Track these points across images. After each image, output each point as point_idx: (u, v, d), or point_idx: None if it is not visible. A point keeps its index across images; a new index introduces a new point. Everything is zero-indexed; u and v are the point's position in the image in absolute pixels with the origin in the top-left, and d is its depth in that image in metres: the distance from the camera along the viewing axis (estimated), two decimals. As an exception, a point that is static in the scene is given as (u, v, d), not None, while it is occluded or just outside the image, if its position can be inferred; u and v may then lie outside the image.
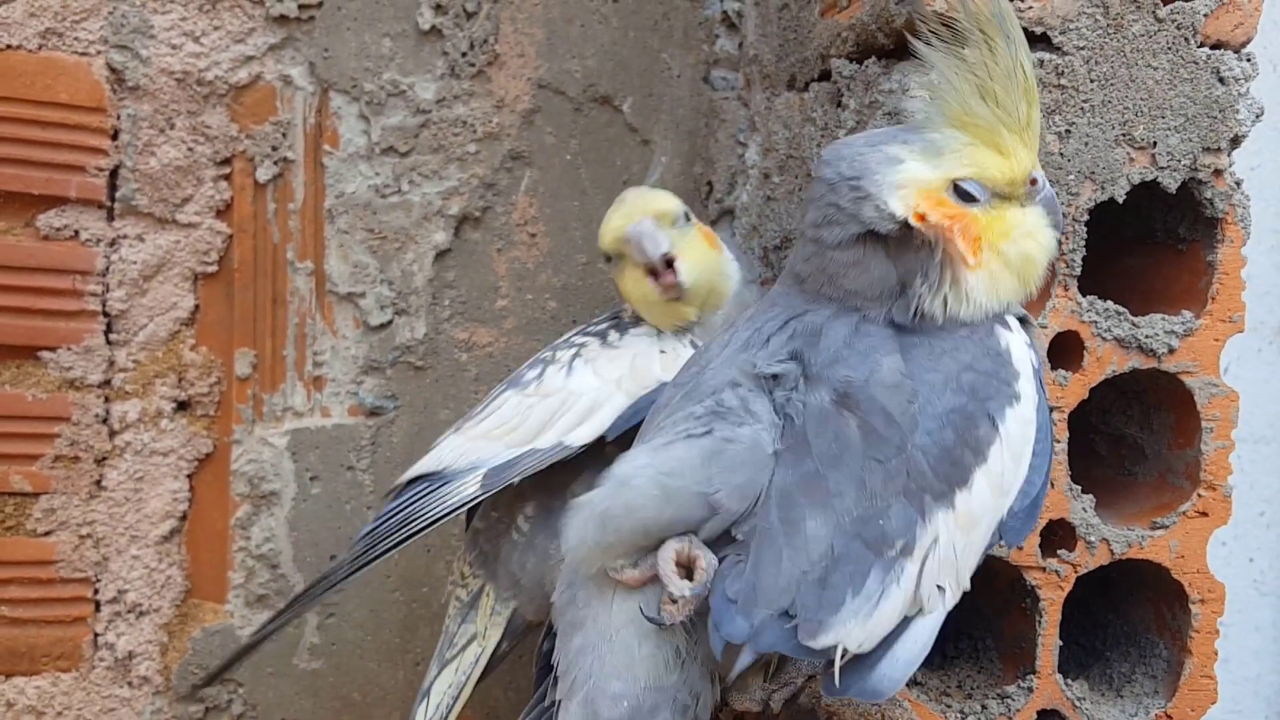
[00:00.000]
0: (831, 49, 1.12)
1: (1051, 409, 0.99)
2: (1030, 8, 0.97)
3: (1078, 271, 1.00)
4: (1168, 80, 0.99)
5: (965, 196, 0.80)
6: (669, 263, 1.03)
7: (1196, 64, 1.00)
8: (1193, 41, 0.99)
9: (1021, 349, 0.80)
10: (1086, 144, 0.99)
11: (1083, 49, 0.98)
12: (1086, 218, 1.00)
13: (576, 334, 1.12)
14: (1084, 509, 1.02)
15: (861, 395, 0.76)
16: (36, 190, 1.28)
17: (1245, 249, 1.03)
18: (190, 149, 1.32)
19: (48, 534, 1.31)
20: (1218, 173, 1.01)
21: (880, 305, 0.80)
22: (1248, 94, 1.01)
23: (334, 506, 1.37)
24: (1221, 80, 1.00)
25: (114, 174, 1.31)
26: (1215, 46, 1.01)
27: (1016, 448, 0.77)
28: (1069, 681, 1.04)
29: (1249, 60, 1.01)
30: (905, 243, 0.79)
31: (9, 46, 1.27)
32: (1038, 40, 0.98)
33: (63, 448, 1.30)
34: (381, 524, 1.04)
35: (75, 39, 1.29)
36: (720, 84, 1.45)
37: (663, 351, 1.04)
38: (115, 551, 1.33)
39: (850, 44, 1.08)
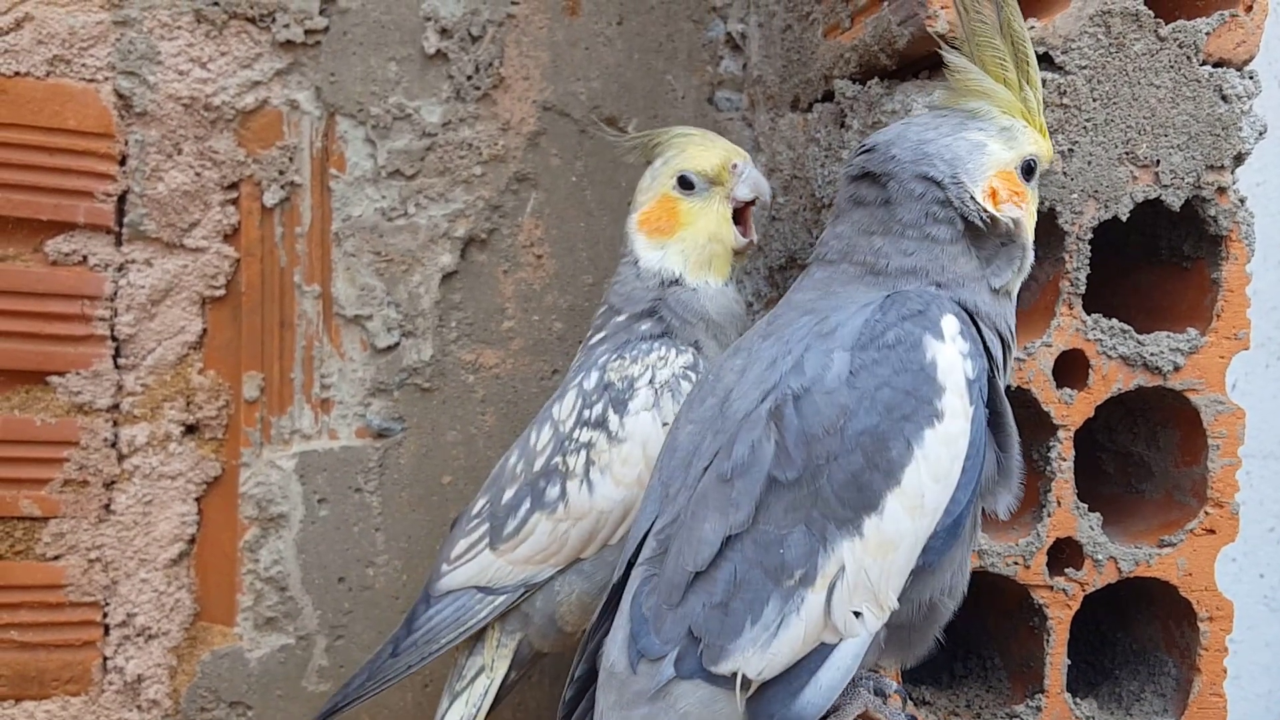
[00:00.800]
0: (835, 70, 1.13)
1: (1058, 428, 1.00)
2: (1032, 28, 0.97)
3: (1082, 289, 1.01)
4: (1170, 99, 1.00)
5: (1028, 172, 0.82)
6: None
7: (1199, 82, 1.00)
8: (1195, 60, 1.00)
9: (951, 359, 0.75)
10: (1090, 163, 0.99)
11: (1085, 68, 0.98)
12: (1090, 236, 1.00)
13: (571, 415, 1.09)
14: (1091, 527, 1.02)
15: (799, 405, 0.75)
16: (45, 216, 1.29)
17: (1251, 266, 1.03)
18: (198, 174, 1.33)
19: (57, 558, 1.31)
20: (1221, 190, 1.01)
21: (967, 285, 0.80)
22: (1250, 111, 1.01)
23: (342, 529, 1.37)
24: (1224, 98, 1.00)
25: (122, 199, 1.31)
26: (1218, 65, 1.01)
27: (940, 468, 0.74)
28: (1078, 700, 1.04)
29: (1251, 78, 1.02)
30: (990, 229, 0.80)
31: (17, 73, 1.28)
32: (1040, 60, 0.99)
33: (71, 472, 1.30)
34: (439, 615, 1.10)
35: (83, 65, 1.29)
36: (725, 105, 1.46)
37: (664, 424, 1.04)
38: (124, 575, 1.33)
39: (853, 65, 1.08)
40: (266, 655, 1.36)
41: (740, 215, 1.12)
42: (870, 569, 0.74)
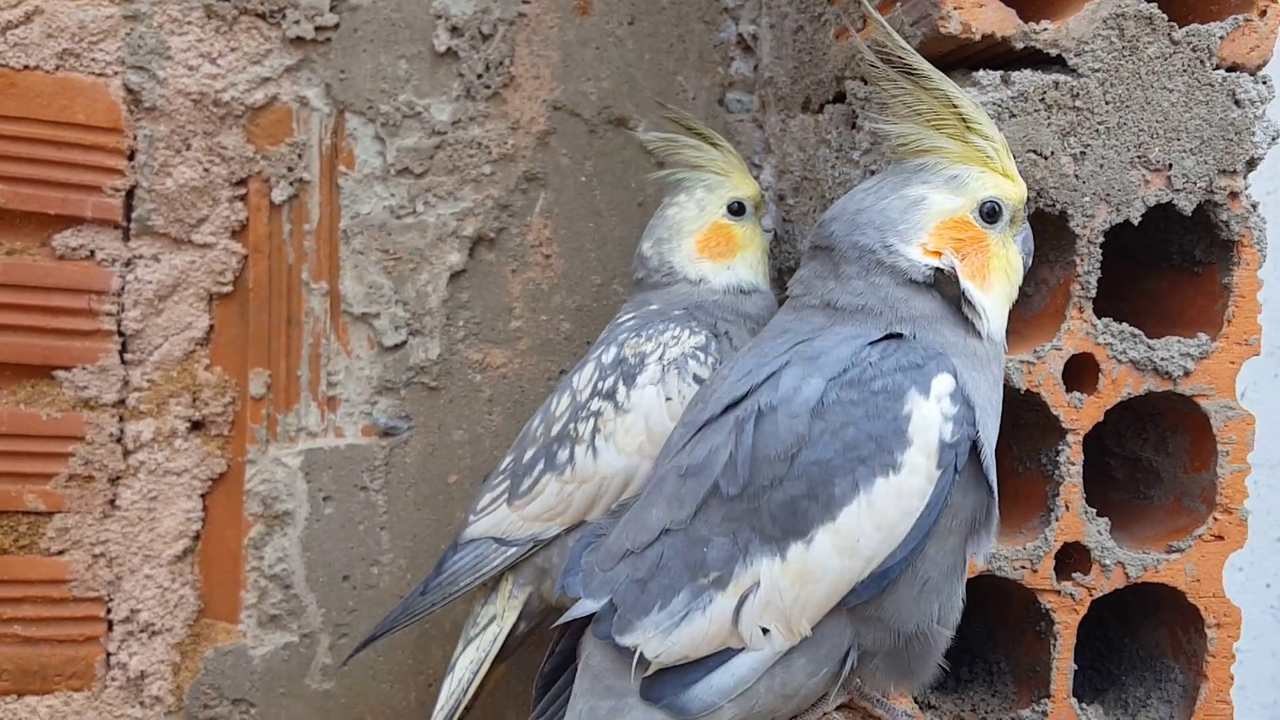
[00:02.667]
0: (846, 71, 1.13)
1: (1066, 431, 1.00)
2: (1045, 30, 0.97)
3: (1093, 294, 1.01)
4: (1183, 102, 1.00)
5: (990, 216, 0.83)
6: None
7: (1212, 86, 1.00)
8: (1208, 64, 1.00)
9: (929, 418, 0.76)
10: (1102, 166, 0.99)
11: (1098, 71, 0.98)
12: (1102, 240, 1.00)
13: (588, 386, 1.15)
14: (1099, 532, 1.01)
15: (761, 421, 0.77)
16: (53, 210, 1.29)
17: (1262, 272, 1.03)
18: (206, 170, 1.33)
19: (61, 553, 1.31)
20: (1233, 195, 1.01)
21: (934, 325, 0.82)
22: (1264, 116, 1.01)
23: (347, 527, 1.38)
24: (1237, 103, 1.00)
25: (130, 194, 1.32)
26: (1231, 69, 1.01)
27: (885, 518, 0.75)
28: (1083, 706, 1.04)
29: (1265, 83, 1.02)
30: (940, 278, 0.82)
31: (26, 67, 1.28)
32: (1053, 63, 0.99)
33: (76, 467, 1.31)
34: (461, 560, 1.17)
35: (92, 60, 1.30)
36: (735, 106, 1.46)
37: (668, 399, 1.10)
38: (128, 571, 1.33)
39: (857, 69, 1.08)
40: (270, 653, 1.36)
41: None
42: (785, 592, 0.76)
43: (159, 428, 1.33)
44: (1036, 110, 0.98)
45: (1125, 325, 1.01)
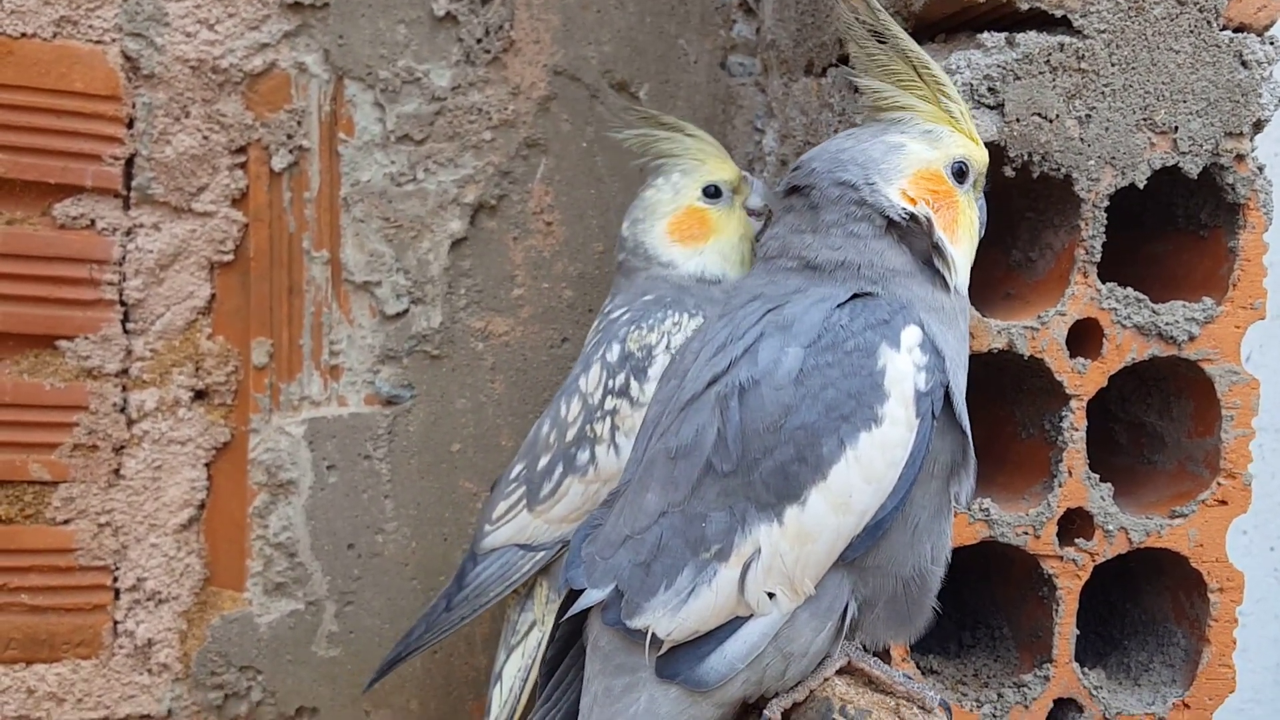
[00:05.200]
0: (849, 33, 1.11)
1: (1070, 397, 0.99)
2: (1049, -9, 0.96)
3: (1097, 258, 0.99)
4: (1190, 64, 0.98)
5: (959, 175, 0.84)
6: None
7: (1219, 47, 0.98)
8: (1215, 24, 0.98)
9: (903, 369, 0.77)
10: (1107, 129, 0.98)
11: (1104, 32, 0.97)
12: (1107, 204, 0.99)
13: (598, 388, 1.15)
14: (1102, 497, 1.01)
15: (745, 396, 0.78)
16: (52, 179, 1.28)
17: (1269, 235, 1.02)
18: (205, 137, 1.32)
19: (67, 522, 1.31)
20: (1240, 158, 1.00)
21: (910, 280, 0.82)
22: (1271, 78, 0.99)
23: (351, 495, 1.37)
24: (1244, 64, 0.99)
25: (130, 163, 1.31)
26: (1238, 29, 1.00)
27: (873, 471, 0.76)
28: (1086, 670, 1.04)
29: (1272, 44, 1.00)
30: (913, 225, 0.82)
31: (24, 34, 1.27)
32: (1058, 24, 0.97)
33: (81, 436, 1.31)
34: (486, 571, 1.17)
35: (90, 27, 1.28)
36: (738, 70, 1.44)
37: None
38: (134, 540, 1.33)
39: (860, 30, 1.07)
40: (276, 620, 1.36)
41: None
42: (786, 555, 0.77)
43: (162, 397, 1.33)
44: (1041, 73, 0.96)
45: (1130, 290, 1.00)
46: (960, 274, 0.83)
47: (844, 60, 1.14)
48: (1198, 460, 1.06)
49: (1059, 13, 0.96)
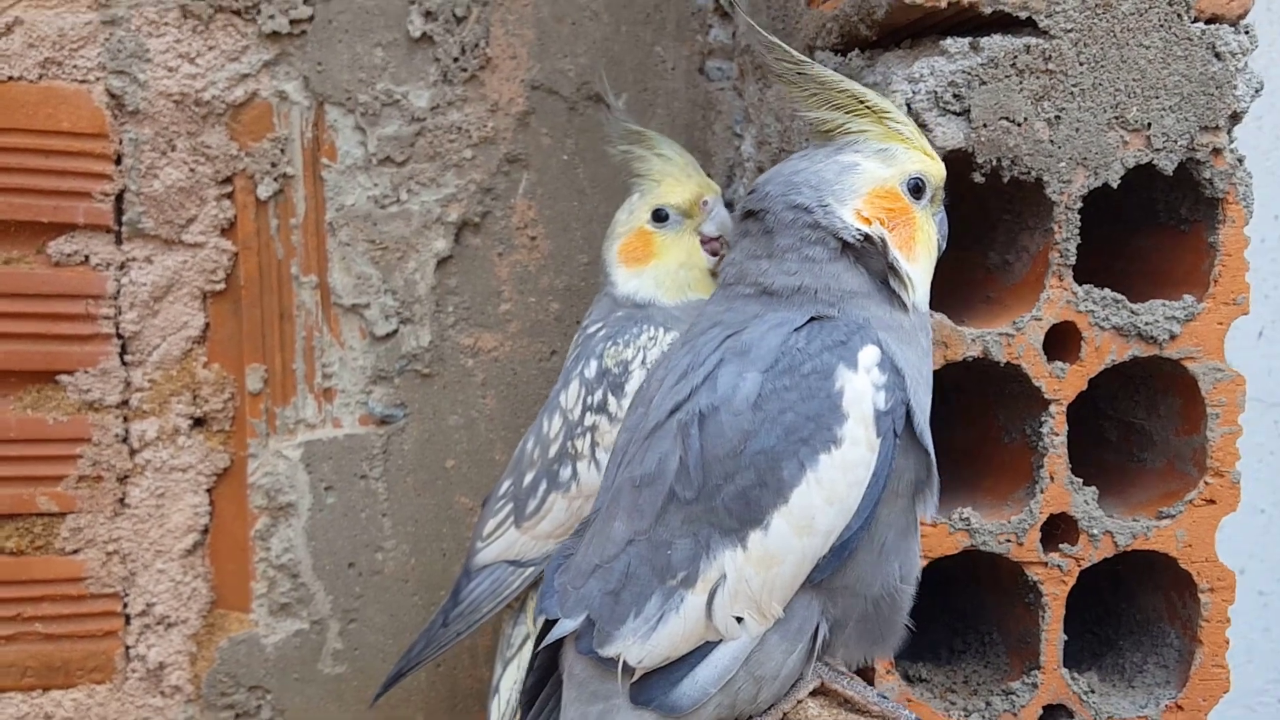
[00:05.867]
0: (818, 40, 1.06)
1: (1049, 402, 0.93)
2: (1012, -9, 0.90)
3: (1072, 260, 0.94)
4: (1161, 59, 0.92)
5: (916, 191, 0.80)
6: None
7: (1191, 40, 0.92)
8: (1186, 17, 0.92)
9: (861, 390, 0.73)
10: (1077, 129, 0.92)
11: (1070, 31, 0.91)
12: (1080, 205, 0.93)
13: (577, 404, 1.11)
14: (1086, 501, 0.96)
15: (705, 423, 0.74)
16: (45, 218, 1.25)
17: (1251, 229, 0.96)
18: (192, 170, 1.28)
19: (76, 552, 1.28)
20: (1216, 152, 0.94)
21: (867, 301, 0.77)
22: (1246, 69, 0.93)
23: (349, 515, 1.34)
24: (1218, 55, 0.93)
25: (120, 198, 1.27)
26: (1211, 20, 0.94)
27: (835, 492, 0.73)
28: (1075, 675, 0.99)
29: (1247, 33, 0.94)
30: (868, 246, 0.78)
31: (10, 78, 1.23)
32: (1023, 25, 0.92)
33: (85, 468, 1.28)
34: (479, 587, 1.14)
35: (74, 67, 1.25)
36: (716, 75, 1.39)
37: None
38: (142, 566, 1.30)
39: (835, 35, 1.01)
40: (282, 640, 1.33)
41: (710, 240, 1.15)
42: (751, 579, 0.74)
43: (162, 426, 1.30)
44: (1007, 76, 0.91)
45: (1107, 291, 0.95)
46: (918, 291, 0.78)
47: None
48: (1186, 459, 1.00)
49: (1024, 14, 0.90)
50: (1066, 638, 0.97)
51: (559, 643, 0.81)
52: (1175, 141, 0.93)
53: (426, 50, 1.32)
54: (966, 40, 0.90)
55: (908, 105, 0.89)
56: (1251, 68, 0.93)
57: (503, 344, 1.37)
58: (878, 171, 0.78)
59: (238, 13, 1.28)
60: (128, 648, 1.31)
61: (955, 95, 0.90)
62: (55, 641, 1.29)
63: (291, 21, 1.28)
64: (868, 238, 0.76)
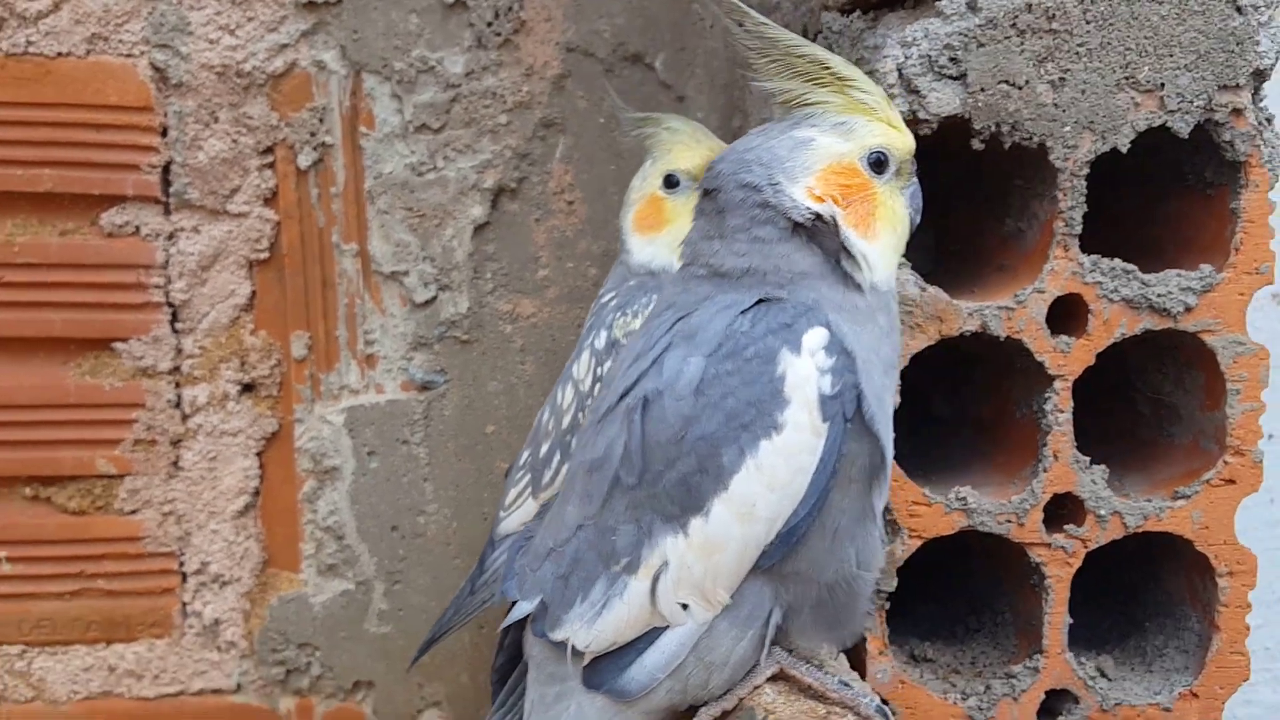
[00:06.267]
0: (829, 1, 1.05)
1: (1054, 378, 0.93)
2: (1011, -52, 0.88)
3: (1078, 230, 0.92)
4: (1176, 15, 0.90)
5: (877, 165, 0.79)
6: None
7: (1208, -7, 0.89)
8: (1203, -32, 0.89)
9: (804, 374, 0.73)
10: (1084, 91, 0.90)
11: (1075, -12, 0.89)
12: (1087, 171, 0.92)
13: (588, 375, 1.13)
14: (1094, 481, 0.95)
15: (649, 408, 0.76)
16: (97, 190, 1.33)
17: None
18: (234, 140, 1.35)
19: (134, 512, 1.38)
20: (1237, 112, 0.91)
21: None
22: (1271, 22, 0.90)
23: (391, 480, 1.40)
24: (1239, 9, 0.90)
25: (166, 170, 1.34)
26: (1232, -28, 0.90)
27: (777, 478, 0.73)
28: (1083, 660, 0.98)
29: (1274, -17, 0.90)
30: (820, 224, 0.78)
31: (60, 54, 1.31)
32: (1018, -17, 0.90)
33: (140, 432, 1.36)
34: (500, 557, 1.17)
35: (120, 41, 1.32)
36: (754, 33, 1.39)
37: None
38: (196, 527, 1.39)
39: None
40: (329, 600, 1.41)
41: None
42: (693, 566, 0.75)
43: (212, 392, 1.38)
44: (1007, 37, 0.89)
45: (1117, 261, 0.93)
46: (877, 270, 0.78)
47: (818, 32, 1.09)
48: (1210, 435, 0.98)
49: (1023, -29, 0.89)
50: (1072, 621, 0.96)
51: (524, 623, 0.84)
52: (1191, 102, 0.90)
53: (460, 15, 1.35)
54: (964, 0, 0.89)
55: (899, 71, 0.89)
56: (1278, 21, 0.90)
57: (541, 310, 1.41)
58: (834, 146, 0.78)
59: (275, -17, 1.33)
60: (184, 604, 1.40)
61: (952, 59, 0.90)
62: (116, 598, 1.38)
63: (326, -10, 1.33)
64: (819, 216, 0.76)
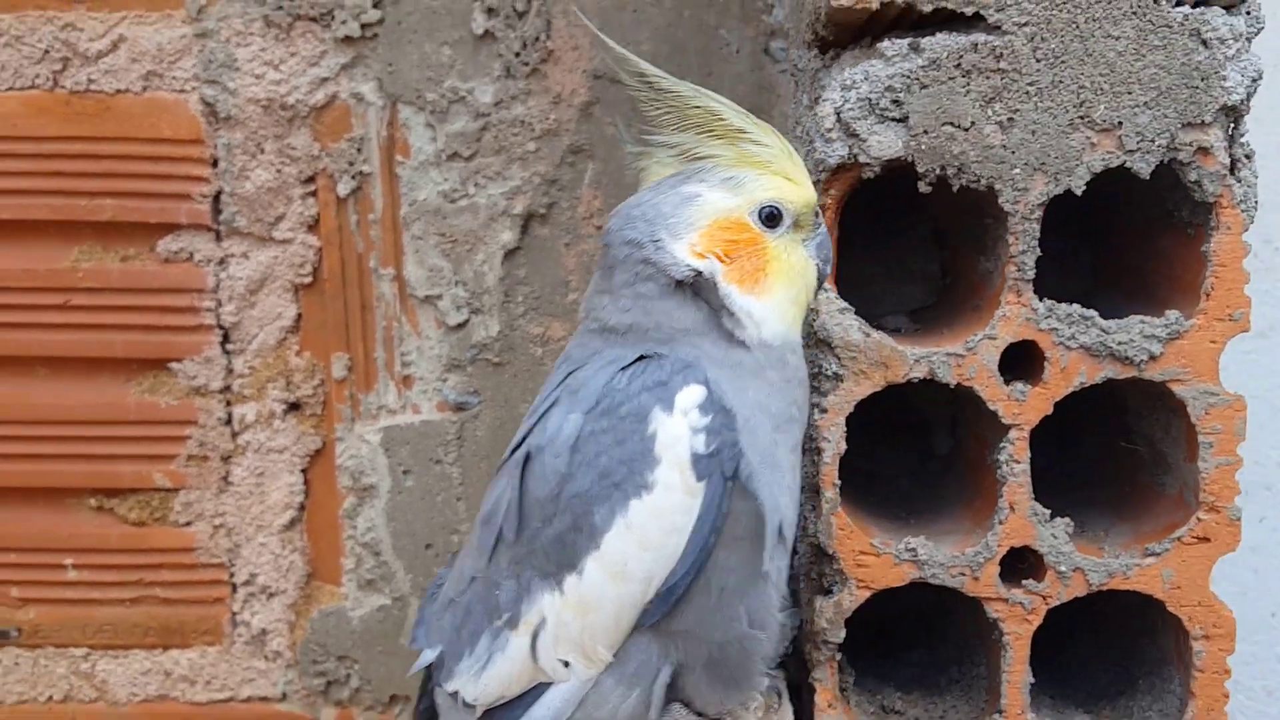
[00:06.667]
0: (806, 35, 1.06)
1: (1008, 427, 0.92)
2: (955, -14, 0.88)
3: (1030, 275, 0.92)
4: (1134, 50, 0.88)
5: (770, 219, 0.80)
6: None
7: (1170, 28, 0.87)
8: (1164, 1, 0.87)
9: (675, 434, 0.75)
10: (1034, 132, 0.89)
11: (1025, 25, 0.88)
12: (1039, 215, 0.91)
13: None
14: (1054, 535, 0.94)
15: (530, 464, 0.79)
16: (153, 219, 1.44)
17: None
18: (279, 170, 1.44)
19: (188, 524, 1.49)
20: (1203, 151, 0.88)
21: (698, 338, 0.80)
22: (1239, 56, 0.87)
23: (426, 498, 1.47)
24: (1204, 43, 0.87)
25: (217, 199, 1.45)
26: (1198, 4, 0.88)
27: (648, 538, 0.75)
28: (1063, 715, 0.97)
29: (1248, 13, 0.87)
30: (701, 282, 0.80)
31: (118, 91, 1.43)
32: (970, 21, 0.90)
33: (193, 448, 1.47)
34: None
35: (173, 78, 1.43)
36: (780, 55, 1.40)
37: None
38: (245, 539, 1.49)
39: (810, 33, 1.02)
40: (368, 614, 1.49)
41: None
42: (570, 624, 0.77)
43: (260, 410, 1.47)
44: (951, 78, 0.89)
45: (1075, 307, 0.92)
46: (767, 325, 0.80)
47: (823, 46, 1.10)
48: (1191, 489, 0.95)
49: (969, 10, 0.89)
50: (1034, 680, 0.96)
51: None
52: (1152, 141, 0.88)
53: (490, 46, 1.41)
54: (906, 41, 0.90)
55: (836, 114, 0.90)
56: (1248, 54, 0.87)
57: (571, 332, 1.45)
58: (722, 202, 0.80)
59: (314, 19, 1.41)
60: (234, 614, 1.50)
61: (894, 101, 0.90)
62: (172, 605, 1.50)
63: (363, 25, 1.41)
64: (700, 273, 0.78)
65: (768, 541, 0.79)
